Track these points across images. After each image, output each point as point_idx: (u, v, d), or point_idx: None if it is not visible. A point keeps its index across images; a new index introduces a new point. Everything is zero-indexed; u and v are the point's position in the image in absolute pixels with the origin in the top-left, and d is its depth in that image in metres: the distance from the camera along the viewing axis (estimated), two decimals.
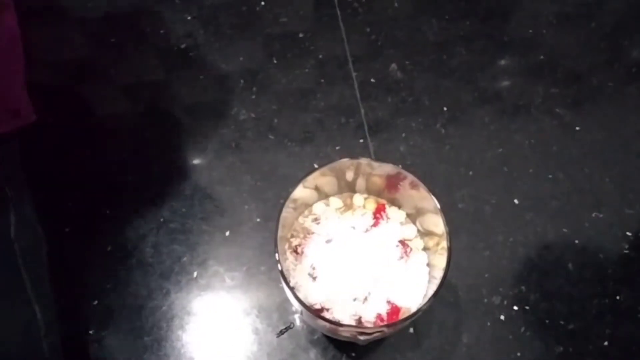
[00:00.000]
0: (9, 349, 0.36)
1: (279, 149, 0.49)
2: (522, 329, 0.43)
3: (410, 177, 0.32)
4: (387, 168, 0.33)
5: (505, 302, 0.44)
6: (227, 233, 0.46)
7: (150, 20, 0.54)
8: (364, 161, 0.33)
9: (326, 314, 0.33)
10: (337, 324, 0.28)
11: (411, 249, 0.35)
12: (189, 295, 0.44)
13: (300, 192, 0.34)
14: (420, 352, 0.42)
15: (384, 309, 0.33)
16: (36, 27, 0.51)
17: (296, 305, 0.35)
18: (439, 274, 0.33)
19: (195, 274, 0.45)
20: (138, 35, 0.54)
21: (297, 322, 0.43)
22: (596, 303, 0.44)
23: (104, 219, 0.46)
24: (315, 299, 0.33)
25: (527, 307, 0.44)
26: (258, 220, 0.46)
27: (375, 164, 0.33)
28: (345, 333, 0.32)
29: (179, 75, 0.52)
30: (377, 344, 0.42)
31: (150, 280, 0.44)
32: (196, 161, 0.49)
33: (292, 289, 0.28)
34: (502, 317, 0.43)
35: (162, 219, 0.46)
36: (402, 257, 0.35)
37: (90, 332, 0.42)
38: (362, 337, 0.33)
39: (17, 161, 0.43)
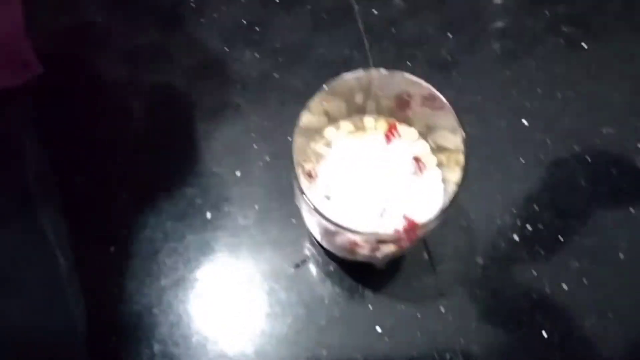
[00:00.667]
0: (34, 293, 0.37)
1: (284, 87, 0.49)
2: (536, 247, 0.43)
3: (424, 84, 0.32)
4: (399, 78, 0.33)
5: (518, 222, 0.44)
6: (238, 173, 0.46)
7: None
8: (375, 72, 0.33)
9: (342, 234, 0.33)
10: (356, 232, 0.28)
11: (425, 165, 0.35)
12: (204, 236, 0.44)
13: (309, 117, 0.34)
14: (435, 276, 0.42)
15: (400, 224, 0.34)
16: None
17: (313, 227, 0.35)
18: (453, 188, 0.33)
19: (208, 214, 0.45)
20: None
21: (312, 256, 0.43)
22: (610, 217, 0.44)
23: (115, 166, 0.46)
24: (332, 218, 0.33)
25: (540, 226, 0.44)
26: (267, 159, 0.46)
27: (389, 74, 0.33)
28: (364, 250, 0.33)
29: (181, 20, 0.51)
30: (391, 271, 0.43)
31: (165, 224, 0.44)
32: (203, 103, 0.49)
33: (310, 202, 0.29)
34: (515, 237, 0.44)
35: (171, 166, 0.46)
36: (416, 173, 0.35)
37: (107, 280, 0.43)
38: (380, 254, 0.33)
39: (29, 118, 0.44)
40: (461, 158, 0.32)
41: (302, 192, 0.29)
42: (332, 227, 0.30)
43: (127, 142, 0.48)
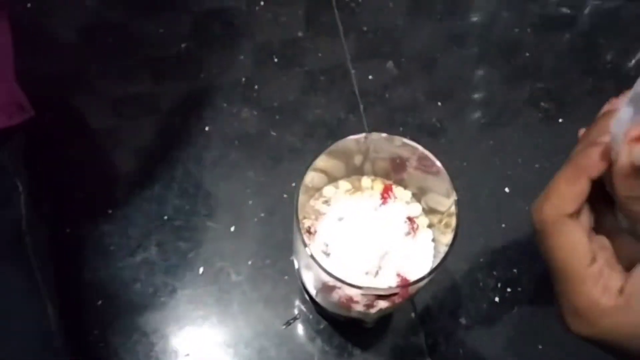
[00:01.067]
0: (22, 342, 0.36)
1: (281, 145, 0.50)
2: (515, 309, 0.45)
3: (420, 148, 0.34)
4: (396, 142, 0.35)
5: (499, 285, 0.46)
6: (232, 229, 0.47)
7: (144, 28, 0.55)
8: (375, 136, 0.34)
9: (340, 289, 0.34)
10: (358, 287, 0.29)
11: (418, 226, 0.37)
12: (195, 292, 0.44)
13: (311, 175, 0.35)
14: (422, 336, 0.43)
15: (394, 282, 0.35)
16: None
17: (310, 283, 0.36)
18: (443, 248, 0.34)
19: (201, 270, 0.45)
20: (133, 40, 0.55)
21: (302, 314, 0.44)
22: None
23: (106, 219, 0.46)
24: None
25: (519, 289, 0.46)
26: (262, 215, 0.47)
27: (387, 138, 0.35)
28: (359, 306, 0.33)
29: (179, 76, 0.53)
30: (379, 330, 0.43)
31: (156, 277, 0.44)
32: (200, 158, 0.50)
33: (313, 258, 0.30)
34: (496, 299, 0.45)
35: (165, 217, 0.47)
36: (409, 233, 0.37)
37: (95, 332, 0.42)
38: (374, 310, 0.34)
39: (21, 158, 0.44)
40: (452, 221, 0.33)
41: (306, 246, 0.30)
42: (331, 282, 0.31)
43: (119, 192, 0.48)
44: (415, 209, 0.38)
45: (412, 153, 0.35)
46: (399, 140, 0.35)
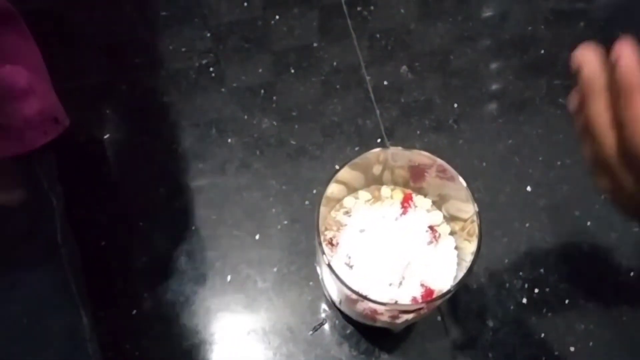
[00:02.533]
0: (57, 350, 0.37)
1: (301, 153, 0.50)
2: (544, 310, 0.44)
3: (439, 161, 0.33)
4: (415, 155, 0.35)
5: (526, 286, 0.45)
6: (257, 237, 0.47)
7: (167, 44, 0.56)
8: (393, 150, 0.34)
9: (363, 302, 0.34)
10: (381, 303, 0.29)
11: (440, 234, 0.36)
12: (224, 299, 0.45)
13: (332, 187, 0.35)
14: (448, 340, 0.43)
15: (418, 292, 0.34)
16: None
17: (334, 293, 0.36)
18: (467, 256, 0.34)
19: (228, 277, 0.45)
20: (157, 56, 0.55)
21: (329, 319, 0.44)
22: (612, 281, 0.45)
23: (138, 231, 0.47)
24: (353, 286, 0.34)
25: (547, 289, 0.45)
26: (285, 222, 0.47)
27: (406, 152, 0.34)
28: (384, 317, 0.33)
29: (200, 90, 0.54)
30: (406, 334, 0.43)
31: (186, 287, 0.45)
32: (224, 169, 0.50)
33: (336, 274, 0.29)
34: (524, 301, 0.45)
35: (193, 227, 0.47)
36: (431, 242, 0.36)
37: (129, 341, 0.43)
38: (399, 321, 0.34)
39: (55, 173, 0.45)
40: (475, 228, 0.33)
41: (329, 266, 0.30)
42: (354, 296, 0.31)
43: (149, 204, 0.49)
44: (437, 217, 0.37)
45: (429, 162, 0.35)
46: (417, 153, 0.35)
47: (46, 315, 0.37)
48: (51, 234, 0.40)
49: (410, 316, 0.33)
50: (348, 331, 0.43)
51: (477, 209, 0.33)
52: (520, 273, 0.46)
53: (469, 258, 0.33)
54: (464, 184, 0.33)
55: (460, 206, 0.35)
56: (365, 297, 0.29)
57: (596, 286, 0.45)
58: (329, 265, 0.30)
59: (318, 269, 0.40)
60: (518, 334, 0.43)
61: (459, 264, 0.36)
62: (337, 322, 0.44)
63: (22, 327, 0.36)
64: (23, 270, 0.37)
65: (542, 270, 0.46)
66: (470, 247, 0.33)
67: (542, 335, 0.43)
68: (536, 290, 0.45)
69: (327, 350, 0.43)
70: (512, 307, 0.44)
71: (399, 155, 0.35)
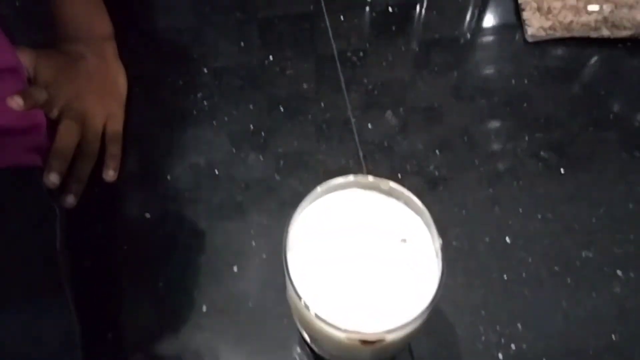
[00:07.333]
0: (51, 351, 0.35)
1: (284, 189, 0.48)
2: None
3: (407, 192, 0.32)
4: (385, 185, 0.33)
5: (502, 341, 0.41)
6: (235, 269, 0.44)
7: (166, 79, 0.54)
8: (360, 178, 0.33)
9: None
10: (358, 333, 0.27)
11: (411, 268, 0.32)
12: (199, 331, 0.41)
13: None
14: None
15: (385, 325, 0.30)
16: None
17: (305, 331, 0.32)
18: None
19: (204, 308, 0.42)
20: (157, 89, 0.54)
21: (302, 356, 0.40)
22: (592, 343, 0.40)
23: (121, 255, 0.45)
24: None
25: (524, 346, 0.40)
26: (264, 256, 0.45)
27: (372, 179, 0.33)
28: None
29: (193, 123, 0.52)
30: None
31: (162, 316, 0.42)
32: (209, 200, 0.47)
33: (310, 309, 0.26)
34: (500, 356, 0.40)
35: (175, 255, 0.45)
36: (402, 274, 0.32)
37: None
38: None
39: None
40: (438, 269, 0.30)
41: (298, 295, 0.26)
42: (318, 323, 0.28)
43: (134, 229, 0.46)
44: (408, 249, 0.33)
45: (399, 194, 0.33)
46: (385, 183, 0.33)
47: (42, 318, 0.35)
48: (51, 240, 0.38)
49: (379, 346, 0.29)
50: None
51: (441, 241, 0.31)
52: (498, 327, 0.41)
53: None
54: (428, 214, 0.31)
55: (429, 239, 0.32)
56: (325, 322, 0.26)
57: (576, 347, 0.41)
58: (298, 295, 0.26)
59: (290, 302, 0.36)
60: None
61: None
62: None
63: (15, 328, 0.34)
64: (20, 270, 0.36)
65: (519, 325, 0.41)
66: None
67: None
68: (513, 347, 0.40)
69: None
70: None
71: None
